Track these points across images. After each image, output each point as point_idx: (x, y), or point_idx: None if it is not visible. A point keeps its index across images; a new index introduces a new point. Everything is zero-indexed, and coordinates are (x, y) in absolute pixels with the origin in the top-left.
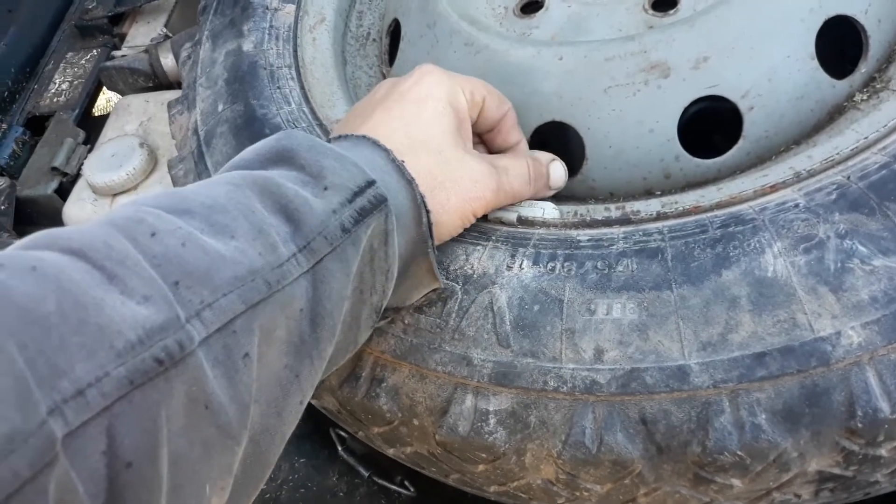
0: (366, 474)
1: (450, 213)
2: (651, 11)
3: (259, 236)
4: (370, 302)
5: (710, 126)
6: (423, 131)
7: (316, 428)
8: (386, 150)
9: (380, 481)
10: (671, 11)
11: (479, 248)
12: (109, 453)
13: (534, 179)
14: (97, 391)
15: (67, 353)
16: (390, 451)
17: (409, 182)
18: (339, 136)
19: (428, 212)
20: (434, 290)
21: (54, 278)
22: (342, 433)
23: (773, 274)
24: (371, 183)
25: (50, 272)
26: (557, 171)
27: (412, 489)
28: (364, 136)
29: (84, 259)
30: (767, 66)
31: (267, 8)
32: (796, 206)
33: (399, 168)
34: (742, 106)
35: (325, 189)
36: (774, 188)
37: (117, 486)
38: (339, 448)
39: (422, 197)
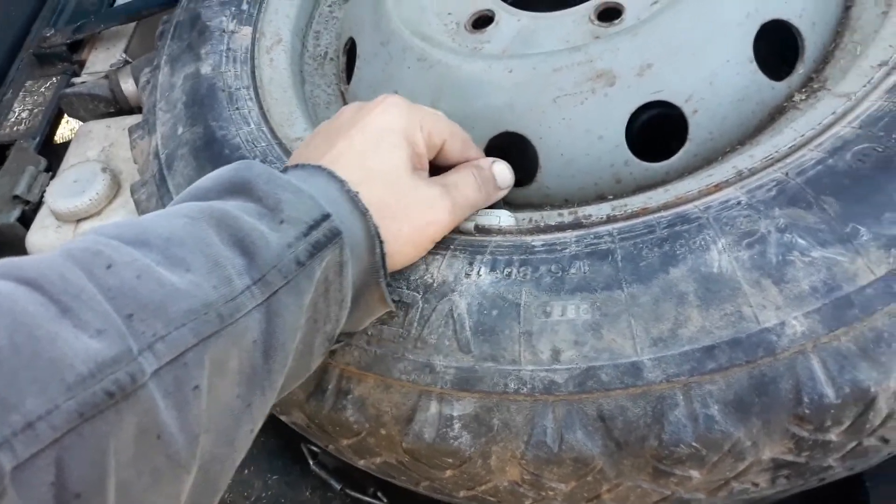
0: (338, 487)
1: (403, 243)
2: (597, 22)
3: (214, 269)
4: (324, 330)
5: (665, 132)
6: (379, 163)
7: (287, 444)
8: (341, 181)
9: (353, 493)
10: (616, 21)
11: (438, 257)
12: (58, 484)
13: (482, 184)
14: (47, 424)
15: (18, 387)
16: (360, 463)
17: (363, 213)
18: (297, 165)
19: (381, 242)
20: (386, 313)
21: (8, 311)
22: (314, 448)
23: (718, 269)
24: (326, 216)
25: (4, 304)
26: (501, 170)
27: (385, 500)
28: (320, 167)
29: (40, 291)
30: (708, 70)
31: (224, 31)
32: (738, 203)
33: (353, 199)
34: (686, 110)
35: (282, 222)
36: (718, 187)
37: None
38: (311, 463)
39: (375, 227)
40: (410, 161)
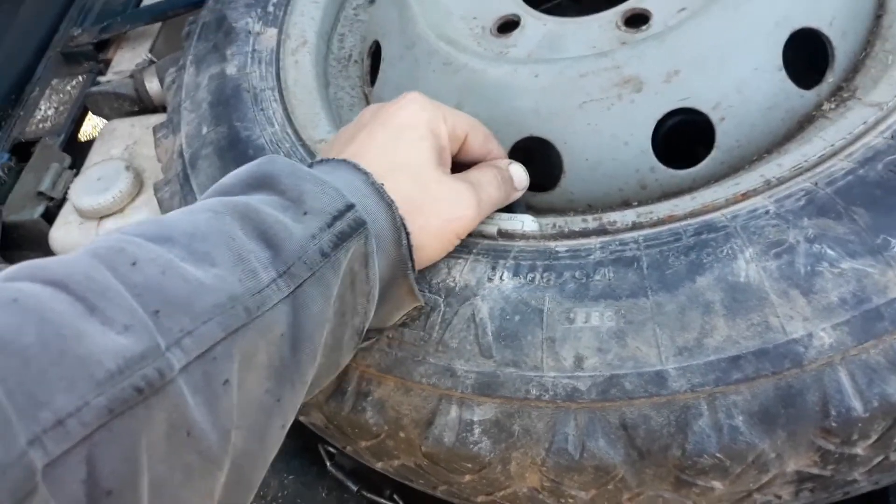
0: (355, 489)
1: (430, 236)
2: (624, 28)
3: (239, 263)
4: (352, 324)
5: (691, 137)
6: (404, 155)
7: (305, 445)
8: (365, 174)
9: (369, 496)
10: (643, 27)
11: (460, 261)
12: (89, 482)
13: (502, 183)
14: (77, 421)
15: (47, 385)
16: (378, 465)
17: (389, 205)
18: (321, 161)
19: (408, 234)
20: (415, 308)
21: (35, 310)
22: (331, 449)
23: (745, 279)
24: (350, 207)
25: (31, 304)
26: (518, 172)
27: (401, 503)
28: (344, 160)
29: (65, 291)
30: (737, 78)
31: (249, 32)
32: (767, 212)
33: (378, 191)
34: (713, 117)
35: (305, 214)
36: (746, 196)
37: None
38: (328, 464)
39: (401, 219)
40: (436, 153)
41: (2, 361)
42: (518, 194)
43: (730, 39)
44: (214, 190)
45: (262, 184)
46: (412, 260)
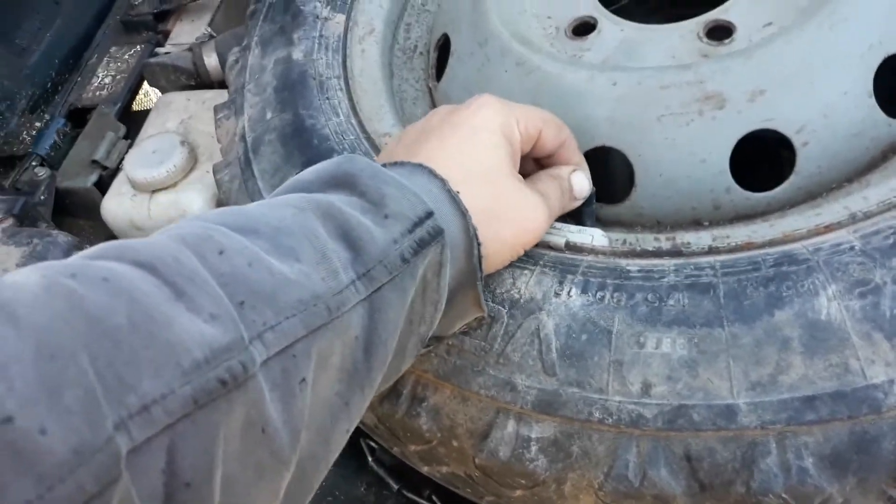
0: (395, 487)
1: (501, 245)
2: (706, 40)
3: (322, 261)
4: (418, 332)
5: (763, 157)
6: (478, 162)
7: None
8: (442, 180)
9: (409, 495)
10: (726, 41)
11: (525, 272)
12: (168, 472)
13: (562, 195)
14: (162, 408)
15: (136, 368)
16: (425, 469)
17: (463, 214)
18: (395, 163)
19: (479, 244)
20: (476, 319)
21: (126, 290)
22: (372, 444)
23: (826, 317)
24: (430, 214)
25: (122, 284)
26: (580, 181)
27: None
28: (420, 165)
29: (154, 273)
30: (824, 101)
31: (317, 17)
32: (852, 248)
33: (454, 199)
34: (796, 141)
35: (386, 217)
36: (829, 228)
37: None
38: (370, 459)
39: (474, 229)
40: (510, 159)
41: (94, 339)
42: (576, 204)
43: (820, 60)
44: (292, 184)
45: (341, 183)
46: (481, 270)
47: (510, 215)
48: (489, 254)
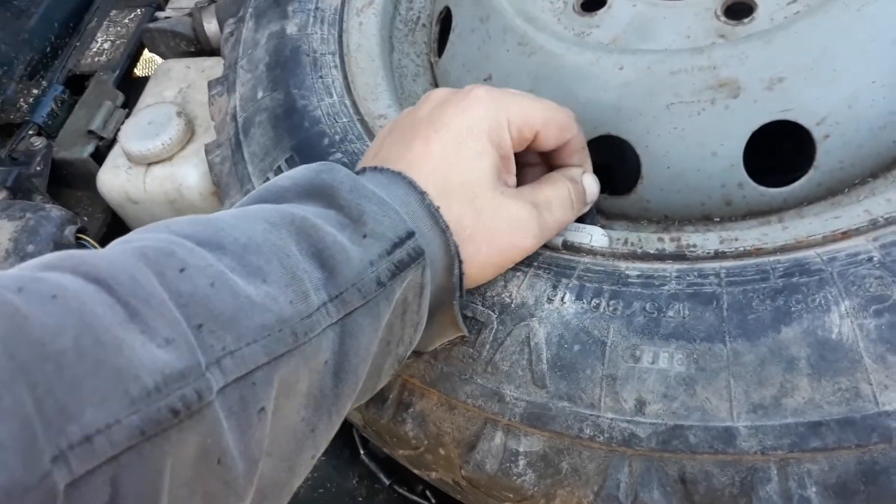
0: (387, 482)
1: (480, 265)
2: (723, 19)
3: (292, 282)
4: (395, 353)
5: (777, 140)
6: (461, 173)
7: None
8: (421, 193)
9: (400, 490)
10: (746, 20)
11: (518, 274)
12: None
13: (575, 203)
14: (106, 439)
15: (79, 396)
16: (415, 471)
17: (444, 230)
18: (375, 168)
19: (461, 261)
20: (458, 337)
21: (76, 311)
22: (365, 437)
23: (837, 336)
24: (411, 234)
25: (72, 304)
26: (591, 186)
27: (433, 501)
28: (400, 174)
29: (108, 291)
30: (849, 90)
31: None
32: (870, 259)
33: (433, 215)
34: (816, 133)
35: (364, 237)
36: (847, 234)
37: None
38: (362, 452)
39: (456, 246)
40: (495, 170)
41: (35, 365)
42: (587, 207)
43: (847, 46)
44: (267, 191)
45: (319, 193)
46: (461, 289)
47: (492, 235)
48: (470, 272)
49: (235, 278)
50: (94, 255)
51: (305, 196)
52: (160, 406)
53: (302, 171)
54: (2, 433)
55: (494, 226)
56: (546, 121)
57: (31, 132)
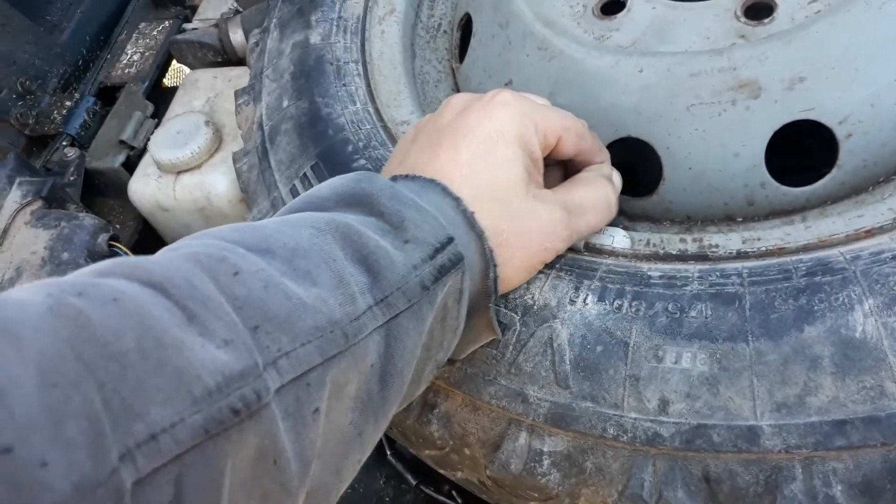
0: (413, 482)
1: (514, 269)
2: (743, 19)
3: (340, 285)
4: (435, 359)
5: (801, 139)
6: (492, 178)
7: None
8: (456, 199)
9: (427, 490)
10: (766, 21)
11: (541, 276)
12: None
13: (609, 207)
14: (171, 438)
15: (144, 395)
16: (441, 471)
17: (479, 235)
18: (407, 176)
19: (496, 266)
20: (492, 341)
21: (135, 313)
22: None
23: (861, 335)
24: (451, 239)
25: (131, 306)
26: (618, 182)
27: (459, 501)
28: (433, 181)
29: (165, 295)
30: (871, 89)
31: None
32: (894, 257)
33: (469, 220)
34: (839, 133)
35: (406, 242)
36: (870, 233)
37: None
38: (388, 452)
39: (491, 251)
40: (527, 174)
41: (100, 365)
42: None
43: (868, 44)
44: (307, 199)
45: (359, 202)
46: (496, 293)
47: (525, 237)
48: (505, 275)
49: (287, 281)
50: (147, 261)
51: (346, 205)
52: (221, 406)
53: (340, 181)
54: (71, 431)
55: (528, 229)
56: (566, 127)
57: (64, 143)
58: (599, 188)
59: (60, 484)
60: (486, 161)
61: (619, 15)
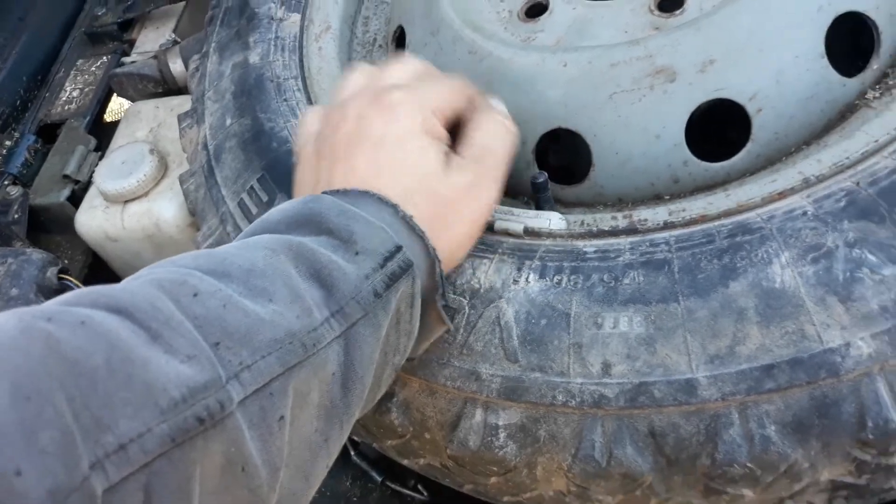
0: (379, 479)
1: (454, 248)
2: (657, 12)
3: (296, 300)
4: (392, 363)
5: (721, 121)
6: (414, 174)
7: None
8: (393, 206)
9: (393, 486)
10: (677, 12)
11: (485, 261)
12: None
13: (508, 125)
14: (139, 447)
15: (112, 408)
16: (404, 462)
17: (420, 236)
18: (338, 192)
19: (439, 260)
20: (445, 332)
21: (103, 335)
22: (354, 438)
23: (780, 285)
24: (399, 248)
25: (99, 329)
26: (498, 106)
27: (425, 493)
28: (367, 192)
29: (130, 319)
30: (775, 67)
31: (272, 18)
32: (804, 213)
33: (409, 224)
34: (750, 108)
35: (357, 254)
36: (783, 195)
37: None
38: (352, 453)
39: (433, 248)
40: (441, 155)
41: (71, 381)
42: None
43: (770, 26)
44: (259, 226)
45: (309, 222)
46: (443, 286)
47: (457, 215)
48: (454, 256)
49: (244, 300)
50: (112, 289)
51: (297, 226)
52: (187, 415)
53: (290, 205)
54: (44, 441)
55: (456, 206)
56: (455, 97)
57: (6, 182)
58: (491, 122)
59: (35, 491)
60: (403, 161)
61: (543, 17)
